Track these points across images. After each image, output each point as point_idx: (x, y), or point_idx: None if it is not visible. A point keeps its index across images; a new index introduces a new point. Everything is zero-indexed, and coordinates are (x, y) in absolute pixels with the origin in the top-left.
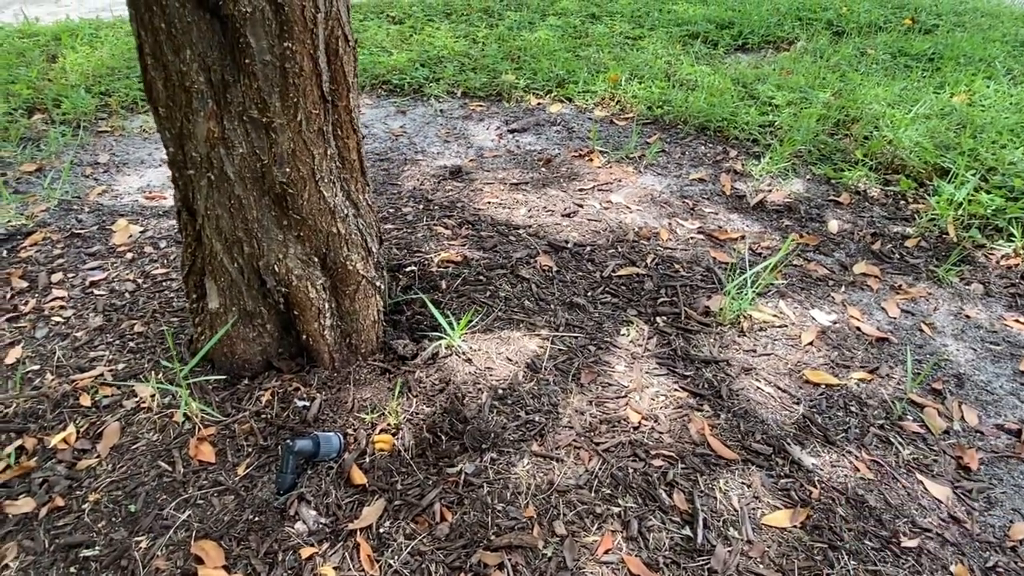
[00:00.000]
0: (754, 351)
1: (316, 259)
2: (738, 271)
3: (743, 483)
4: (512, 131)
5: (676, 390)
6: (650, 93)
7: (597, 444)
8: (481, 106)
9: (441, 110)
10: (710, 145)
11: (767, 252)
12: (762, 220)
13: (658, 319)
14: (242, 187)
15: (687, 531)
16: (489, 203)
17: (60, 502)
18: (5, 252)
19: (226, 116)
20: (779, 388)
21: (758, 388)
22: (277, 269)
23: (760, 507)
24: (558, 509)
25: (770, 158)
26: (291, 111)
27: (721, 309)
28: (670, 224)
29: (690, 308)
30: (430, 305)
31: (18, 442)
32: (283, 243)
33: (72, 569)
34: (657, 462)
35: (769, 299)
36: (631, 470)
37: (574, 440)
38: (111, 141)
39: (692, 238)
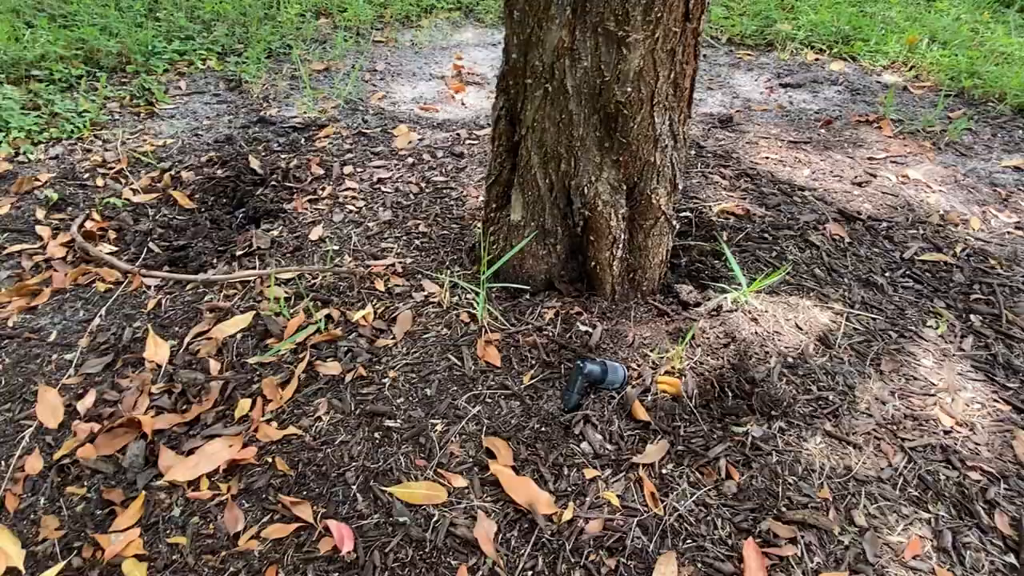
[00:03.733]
0: None
1: (625, 187)
2: None
3: None
4: (785, 85)
5: (995, 400)
6: (955, 62)
7: (902, 440)
8: (749, 55)
9: (704, 55)
10: None
11: None
12: None
13: (972, 317)
14: (576, 102)
15: (1010, 559)
16: (767, 158)
17: (363, 372)
18: (303, 140)
19: (579, 26)
20: None
21: None
22: (586, 191)
23: None
24: (857, 499)
25: None
26: (651, 26)
27: None
28: (982, 213)
29: (1012, 312)
30: (729, 256)
31: (325, 311)
32: (599, 165)
33: (376, 435)
34: (974, 475)
35: None
36: (943, 477)
37: (874, 430)
38: (386, 51)
39: (1009, 233)
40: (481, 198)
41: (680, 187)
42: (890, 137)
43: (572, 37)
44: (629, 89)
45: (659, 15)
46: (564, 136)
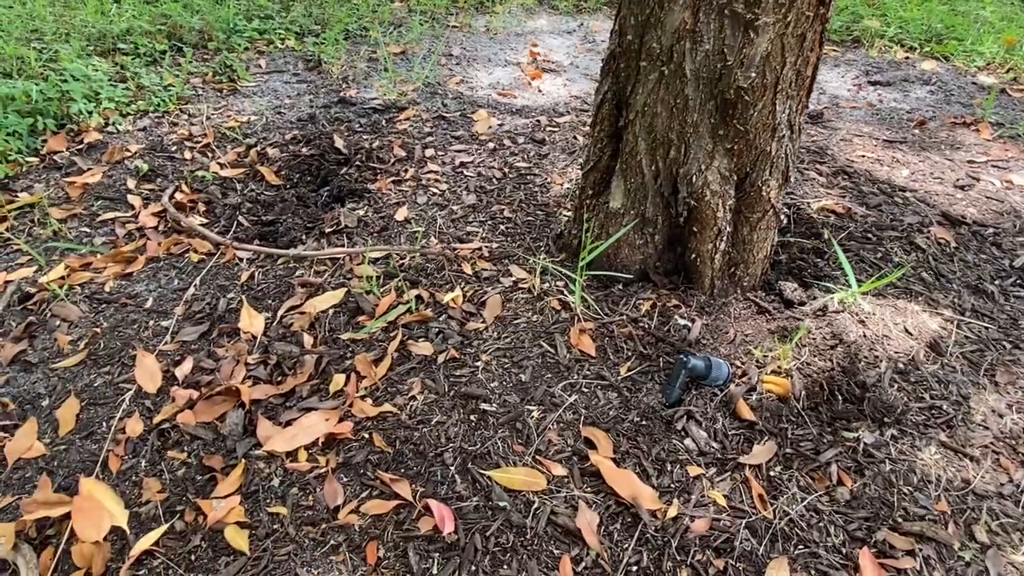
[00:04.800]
0: None
1: (735, 177)
2: None
3: None
4: (873, 83)
5: None
6: None
7: (1023, 456)
8: (835, 51)
9: None
10: None
11: None
12: None
13: None
14: (694, 87)
15: None
16: (862, 156)
17: (455, 354)
18: (384, 121)
19: (703, 8)
20: None
21: None
22: (694, 180)
23: None
24: (977, 514)
25: None
26: (783, 9)
27: None
28: None
29: None
30: (841, 255)
31: (414, 291)
32: (711, 153)
33: (472, 417)
34: None
35: None
36: None
37: (991, 443)
38: (460, 36)
39: None
40: (566, 185)
41: (791, 180)
42: (989, 140)
43: (695, 18)
44: (753, 75)
45: None
46: (676, 122)
